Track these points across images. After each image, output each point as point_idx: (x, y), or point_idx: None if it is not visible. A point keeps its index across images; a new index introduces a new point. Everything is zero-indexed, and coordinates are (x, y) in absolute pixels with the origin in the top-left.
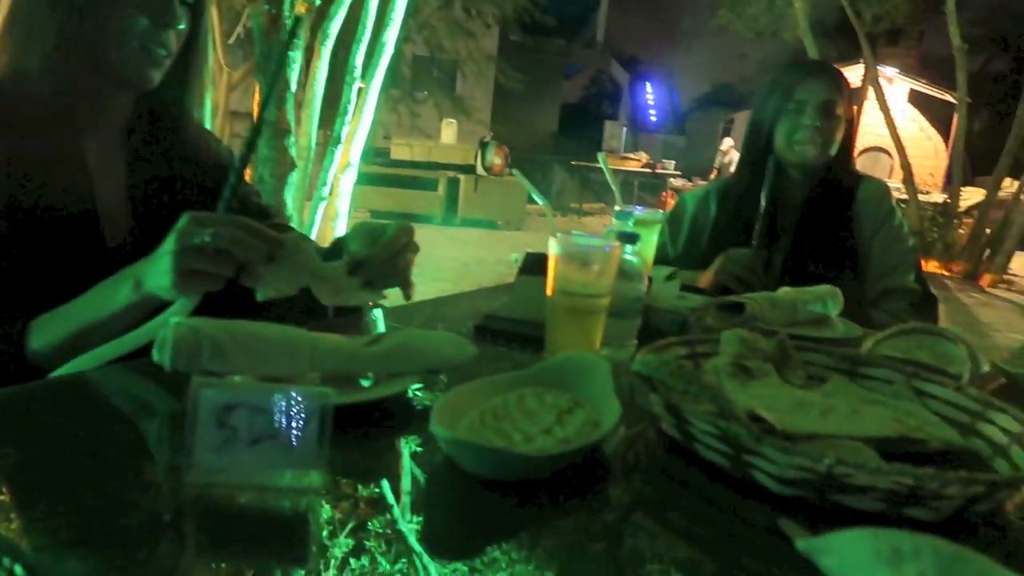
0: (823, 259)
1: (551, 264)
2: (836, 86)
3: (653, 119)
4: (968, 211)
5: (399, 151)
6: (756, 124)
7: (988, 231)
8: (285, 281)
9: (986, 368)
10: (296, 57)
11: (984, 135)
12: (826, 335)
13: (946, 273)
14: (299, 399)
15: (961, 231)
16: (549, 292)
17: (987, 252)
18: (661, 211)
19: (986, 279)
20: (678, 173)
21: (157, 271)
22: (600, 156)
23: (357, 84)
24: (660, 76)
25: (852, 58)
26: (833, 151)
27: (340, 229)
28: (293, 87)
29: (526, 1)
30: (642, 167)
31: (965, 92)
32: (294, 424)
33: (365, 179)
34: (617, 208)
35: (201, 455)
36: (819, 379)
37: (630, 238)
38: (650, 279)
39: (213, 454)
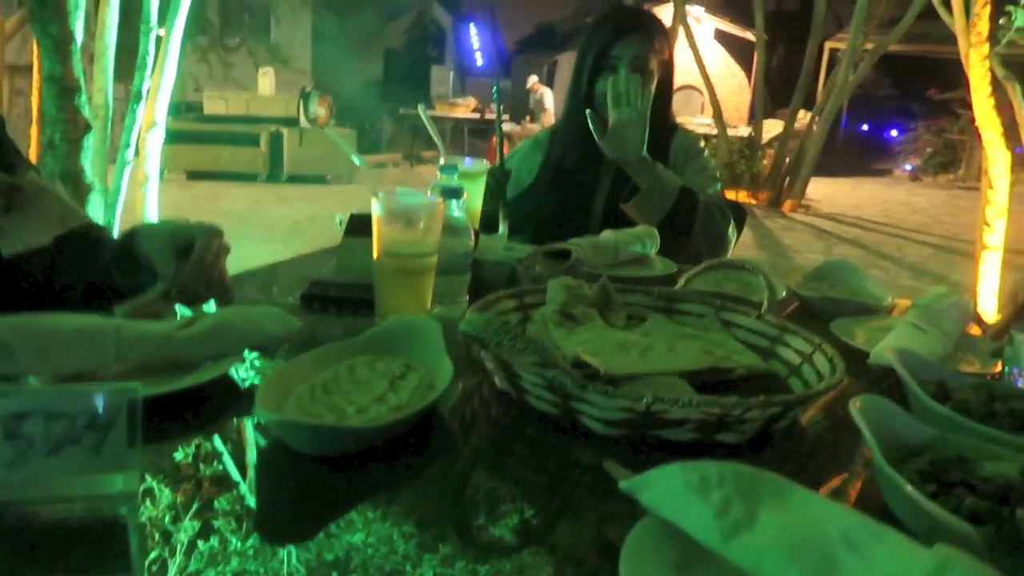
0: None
1: (375, 225)
2: (649, 41)
3: (479, 63)
4: (770, 143)
5: (213, 105)
6: (576, 78)
7: (787, 161)
8: (30, 231)
9: (783, 294)
10: (79, 3)
11: (781, 70)
12: (645, 274)
13: (753, 202)
14: (101, 397)
15: (765, 162)
16: (375, 254)
17: (787, 180)
18: (486, 161)
19: (787, 205)
20: (507, 117)
21: None
22: (420, 109)
23: (155, 32)
24: (483, 18)
25: None
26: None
27: (151, 194)
28: (80, 38)
29: None
30: (471, 112)
31: (763, 30)
32: (98, 425)
33: (177, 137)
34: (442, 162)
35: None
36: (640, 318)
37: (454, 193)
38: (477, 232)
39: (5, 470)
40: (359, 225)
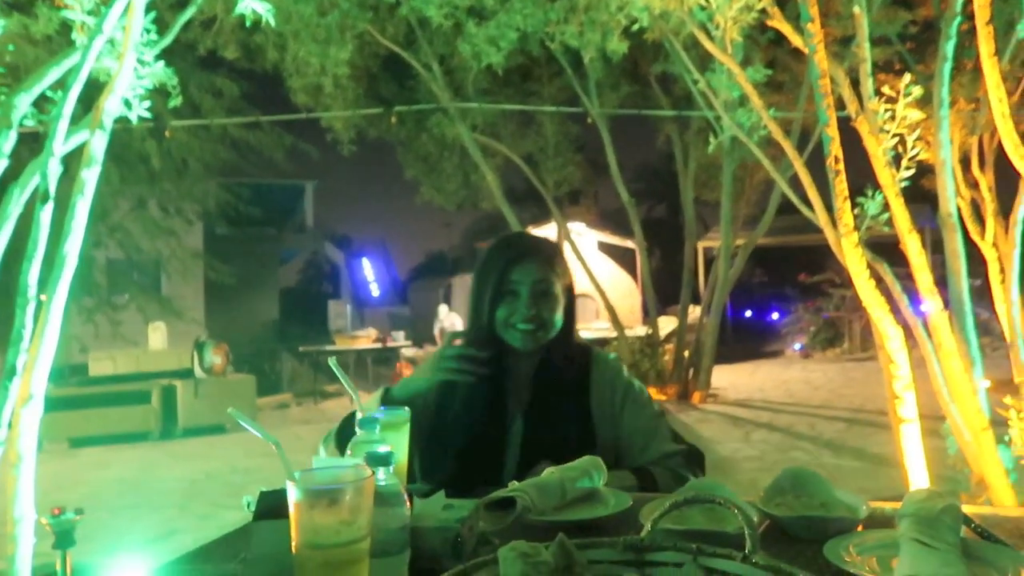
0: (557, 432)
1: (292, 512)
2: (550, 264)
3: (375, 293)
4: (667, 338)
5: (99, 366)
6: (476, 307)
7: (687, 353)
8: None
9: (756, 520)
10: None
11: (663, 271)
12: (600, 513)
13: (663, 397)
14: None
15: (667, 358)
16: (294, 548)
17: (691, 372)
18: (407, 408)
19: (696, 396)
20: (408, 343)
21: None
22: (331, 362)
23: (33, 303)
24: (375, 252)
25: (545, 219)
26: (554, 332)
27: (26, 475)
28: None
29: (228, 196)
30: (373, 343)
31: (642, 237)
32: None
33: (58, 404)
34: (359, 415)
35: None
36: None
37: (383, 460)
38: (410, 495)
39: None
40: (272, 506)
